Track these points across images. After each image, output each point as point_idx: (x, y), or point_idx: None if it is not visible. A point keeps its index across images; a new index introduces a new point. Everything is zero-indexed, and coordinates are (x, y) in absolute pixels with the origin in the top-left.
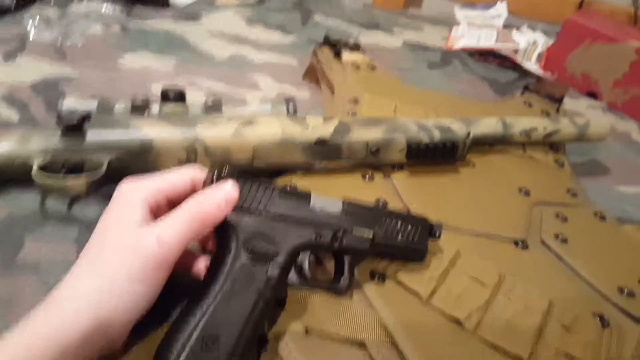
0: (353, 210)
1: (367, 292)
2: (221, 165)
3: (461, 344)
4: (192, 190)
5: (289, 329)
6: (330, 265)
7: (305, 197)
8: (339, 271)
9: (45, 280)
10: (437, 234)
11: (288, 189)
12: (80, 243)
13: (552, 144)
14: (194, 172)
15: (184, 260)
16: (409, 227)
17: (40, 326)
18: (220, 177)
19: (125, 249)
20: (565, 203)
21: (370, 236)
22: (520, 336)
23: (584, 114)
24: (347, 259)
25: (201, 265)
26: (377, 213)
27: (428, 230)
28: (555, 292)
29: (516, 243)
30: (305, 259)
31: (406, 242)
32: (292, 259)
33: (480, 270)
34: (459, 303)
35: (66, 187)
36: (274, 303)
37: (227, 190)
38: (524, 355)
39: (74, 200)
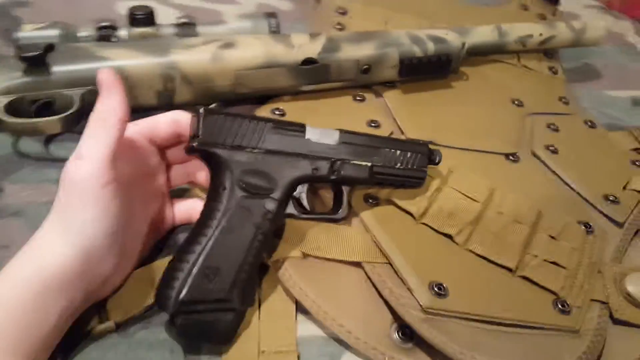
0: (350, 140)
1: (361, 216)
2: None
3: (452, 256)
4: (177, 132)
5: (288, 255)
6: (326, 194)
7: (300, 128)
8: (337, 202)
9: (34, 224)
10: (437, 160)
11: (281, 121)
12: None
13: (546, 51)
14: (176, 114)
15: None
16: (408, 154)
17: (20, 264)
18: (207, 115)
19: (63, 182)
20: (557, 112)
21: (369, 164)
22: (509, 248)
23: (581, 15)
24: (345, 190)
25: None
26: (376, 141)
27: (427, 156)
28: (543, 202)
29: (507, 156)
30: (303, 192)
31: (405, 170)
32: (289, 193)
33: (471, 186)
34: (450, 220)
35: (39, 128)
36: (272, 234)
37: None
38: (511, 265)
39: (49, 139)
